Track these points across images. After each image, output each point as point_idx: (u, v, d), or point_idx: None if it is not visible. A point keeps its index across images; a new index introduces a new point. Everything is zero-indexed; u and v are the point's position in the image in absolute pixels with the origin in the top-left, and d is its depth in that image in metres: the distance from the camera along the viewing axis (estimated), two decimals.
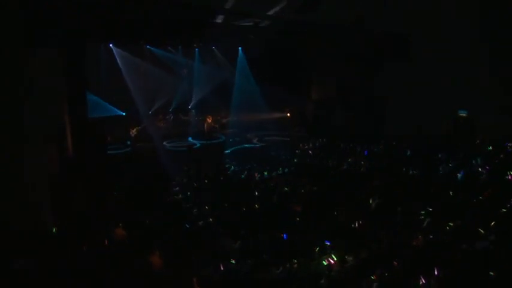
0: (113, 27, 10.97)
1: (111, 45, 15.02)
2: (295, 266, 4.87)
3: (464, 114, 13.38)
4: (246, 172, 10.16)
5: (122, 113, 15.77)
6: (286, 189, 8.17)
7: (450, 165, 8.29)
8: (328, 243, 5.27)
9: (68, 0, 8.69)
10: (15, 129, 6.83)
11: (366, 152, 10.93)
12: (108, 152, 12.99)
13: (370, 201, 6.71)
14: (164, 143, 15.39)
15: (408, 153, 10.39)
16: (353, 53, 14.23)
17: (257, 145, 16.02)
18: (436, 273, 4.30)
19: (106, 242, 5.95)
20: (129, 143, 14.75)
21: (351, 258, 4.92)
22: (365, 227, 5.81)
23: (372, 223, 5.87)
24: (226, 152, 14.57)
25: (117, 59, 15.34)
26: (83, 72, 11.13)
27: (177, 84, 17.75)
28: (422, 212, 5.92)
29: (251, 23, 12.45)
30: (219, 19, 11.75)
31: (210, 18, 11.57)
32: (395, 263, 4.65)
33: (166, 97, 17.53)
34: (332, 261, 4.85)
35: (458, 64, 12.14)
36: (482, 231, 5.06)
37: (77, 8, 8.96)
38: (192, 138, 16.42)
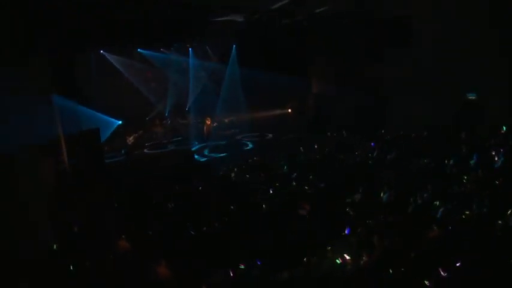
0: (108, 31, 10.74)
1: (102, 51, 14.78)
2: (308, 266, 4.67)
3: (473, 97, 13.00)
4: (249, 173, 9.97)
5: (118, 121, 15.53)
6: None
7: (463, 150, 8.08)
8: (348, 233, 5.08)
9: (63, 4, 8.45)
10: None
11: (372, 144, 10.76)
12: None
13: (382, 195, 6.52)
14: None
15: (416, 142, 10.21)
16: (353, 46, 13.99)
17: (250, 146, 15.81)
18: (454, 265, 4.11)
19: (111, 256, 5.75)
20: (123, 151, 14.45)
21: (364, 256, 4.73)
22: (377, 221, 5.61)
23: (385, 216, 5.68)
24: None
25: (115, 64, 15.15)
26: (74, 82, 10.94)
27: (172, 86, 17.55)
28: (436, 203, 5.72)
29: (243, 19, 12.25)
30: (212, 17, 11.55)
31: (203, 16, 11.36)
32: (412, 255, 4.46)
33: (166, 99, 17.41)
34: (346, 259, 4.66)
35: (462, 55, 11.81)
36: (500, 221, 4.86)
37: (70, 14, 8.75)
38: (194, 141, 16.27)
